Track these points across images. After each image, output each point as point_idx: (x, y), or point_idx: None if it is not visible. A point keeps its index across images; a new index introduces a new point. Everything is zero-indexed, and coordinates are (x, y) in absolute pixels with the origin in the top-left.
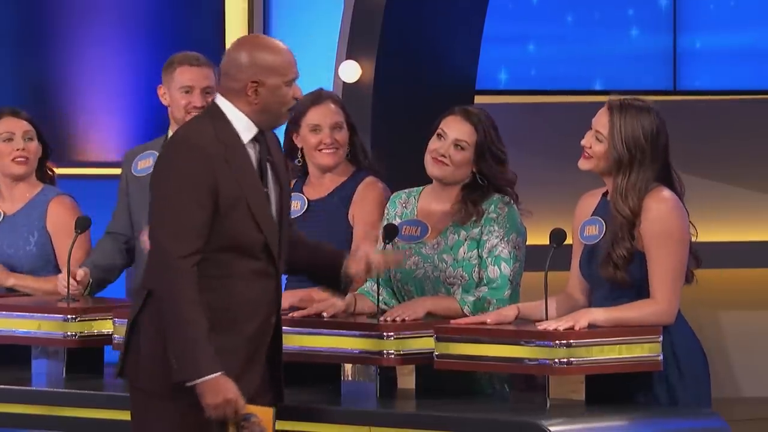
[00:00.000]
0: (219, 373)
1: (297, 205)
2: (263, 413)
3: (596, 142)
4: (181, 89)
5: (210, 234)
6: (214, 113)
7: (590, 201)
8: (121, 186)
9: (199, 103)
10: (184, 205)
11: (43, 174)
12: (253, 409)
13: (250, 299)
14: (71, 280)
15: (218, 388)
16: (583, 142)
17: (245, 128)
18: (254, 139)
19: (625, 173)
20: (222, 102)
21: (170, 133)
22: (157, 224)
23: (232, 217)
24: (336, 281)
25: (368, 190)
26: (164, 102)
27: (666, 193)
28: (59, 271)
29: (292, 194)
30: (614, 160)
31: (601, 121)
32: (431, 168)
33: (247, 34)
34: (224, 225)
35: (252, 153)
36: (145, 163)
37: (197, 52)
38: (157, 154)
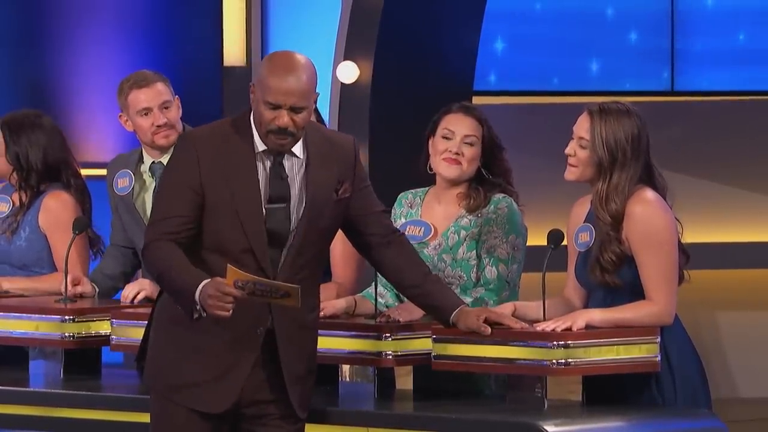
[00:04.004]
0: (200, 288)
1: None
2: (234, 273)
3: (580, 148)
4: (138, 113)
5: (202, 232)
6: (241, 115)
7: (582, 208)
8: (110, 200)
9: (160, 120)
10: (165, 198)
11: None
12: (229, 278)
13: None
14: (78, 288)
15: (202, 297)
16: (566, 151)
17: (259, 137)
18: (270, 152)
19: (605, 177)
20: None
21: (144, 154)
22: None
23: (217, 219)
24: (444, 324)
25: None
26: (128, 129)
27: (649, 194)
28: (55, 269)
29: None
30: (596, 165)
31: (583, 126)
32: (445, 170)
33: (244, 34)
34: (210, 225)
35: (265, 164)
36: (123, 182)
37: (147, 70)
38: (132, 173)
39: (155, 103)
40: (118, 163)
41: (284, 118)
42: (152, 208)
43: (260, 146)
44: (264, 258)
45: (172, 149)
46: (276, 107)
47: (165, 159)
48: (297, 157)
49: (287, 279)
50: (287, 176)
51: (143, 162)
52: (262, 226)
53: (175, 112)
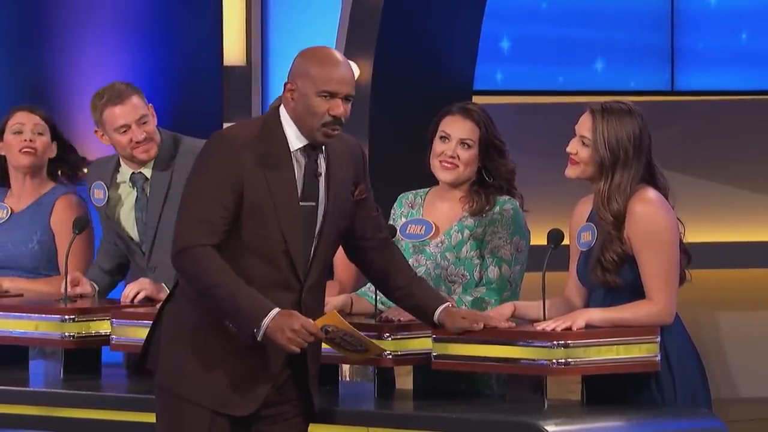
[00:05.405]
0: (272, 314)
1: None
2: (332, 318)
3: (582, 146)
4: (116, 131)
5: (235, 233)
6: (270, 114)
7: (585, 207)
8: (94, 204)
9: (140, 136)
10: (203, 198)
11: (54, 173)
12: (321, 321)
13: None
14: (77, 289)
15: (279, 326)
16: (568, 149)
17: (295, 135)
18: (305, 149)
19: (607, 177)
20: (282, 105)
21: (122, 165)
22: (178, 213)
23: (255, 220)
24: (430, 323)
25: None
26: (105, 143)
27: (651, 193)
28: (59, 272)
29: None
30: (597, 164)
31: (585, 125)
32: (441, 173)
33: (244, 34)
34: (248, 225)
35: (300, 162)
36: (98, 194)
37: (119, 82)
38: (105, 186)
39: (132, 119)
40: (95, 171)
41: (341, 107)
42: (185, 205)
43: (295, 144)
44: (298, 259)
45: (152, 160)
46: (333, 96)
47: (145, 170)
48: (323, 154)
49: (315, 281)
50: (320, 173)
51: (119, 172)
52: (298, 227)
53: (152, 124)
